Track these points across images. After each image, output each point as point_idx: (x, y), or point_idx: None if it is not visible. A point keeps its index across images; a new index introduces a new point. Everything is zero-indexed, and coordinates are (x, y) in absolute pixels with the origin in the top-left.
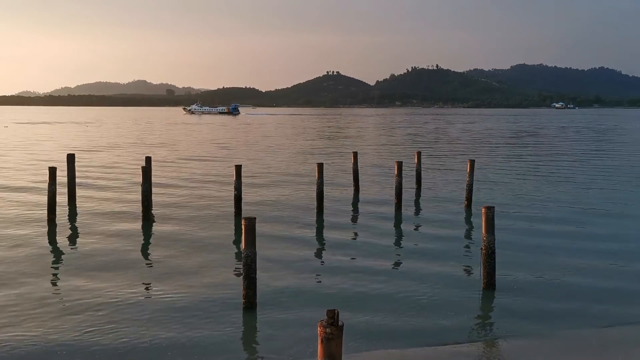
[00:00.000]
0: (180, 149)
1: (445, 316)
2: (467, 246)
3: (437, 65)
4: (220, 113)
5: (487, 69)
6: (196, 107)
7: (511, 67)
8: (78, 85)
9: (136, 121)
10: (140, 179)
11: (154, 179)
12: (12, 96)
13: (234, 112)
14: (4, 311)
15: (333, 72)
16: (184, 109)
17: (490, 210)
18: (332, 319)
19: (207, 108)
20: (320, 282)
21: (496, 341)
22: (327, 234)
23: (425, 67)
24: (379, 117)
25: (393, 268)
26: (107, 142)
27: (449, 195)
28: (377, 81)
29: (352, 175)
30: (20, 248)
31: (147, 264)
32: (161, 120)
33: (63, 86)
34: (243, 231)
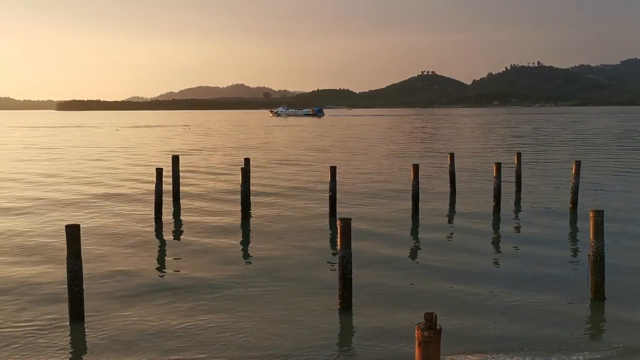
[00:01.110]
0: (273, 150)
1: (549, 325)
2: (573, 252)
3: (538, 62)
4: (306, 115)
5: (593, 65)
6: (282, 109)
7: (621, 62)
8: (181, 90)
9: (231, 124)
10: (239, 179)
11: (252, 180)
12: (122, 101)
13: (318, 114)
14: (114, 296)
15: (428, 71)
16: (271, 111)
17: (599, 215)
18: (430, 322)
19: (293, 110)
20: (416, 283)
21: (606, 353)
22: (422, 235)
23: (526, 65)
24: (476, 118)
25: (492, 272)
26: (206, 145)
27: (552, 198)
28: (474, 80)
29: (448, 176)
30: (130, 244)
31: (246, 262)
32: (251, 122)
33: (168, 91)
34: (339, 232)
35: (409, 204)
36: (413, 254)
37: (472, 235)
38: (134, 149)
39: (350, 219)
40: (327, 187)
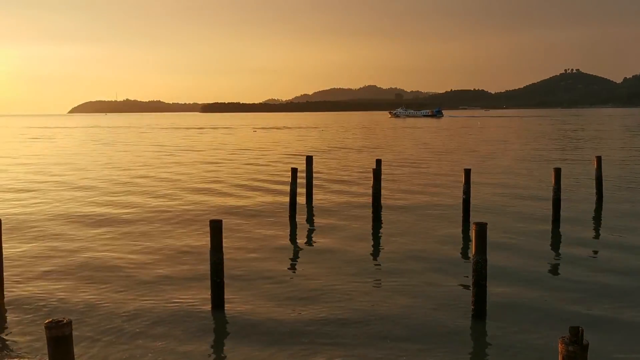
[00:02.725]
0: (399, 152)
1: None
2: None
3: None
4: (424, 116)
5: None
6: (401, 110)
7: None
8: (315, 92)
9: (356, 125)
10: (369, 180)
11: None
12: (259, 104)
13: (437, 115)
14: (250, 288)
15: (571, 69)
16: (390, 112)
17: None
18: (576, 336)
19: (412, 111)
20: (554, 296)
21: None
22: (564, 246)
23: None
24: (628, 118)
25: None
26: (335, 145)
27: None
28: (625, 78)
29: (594, 182)
30: (264, 240)
31: (375, 264)
32: (373, 124)
33: (302, 93)
34: (473, 237)
35: (548, 211)
36: (553, 265)
37: (620, 249)
38: (269, 149)
39: (486, 224)
40: (452, 189)
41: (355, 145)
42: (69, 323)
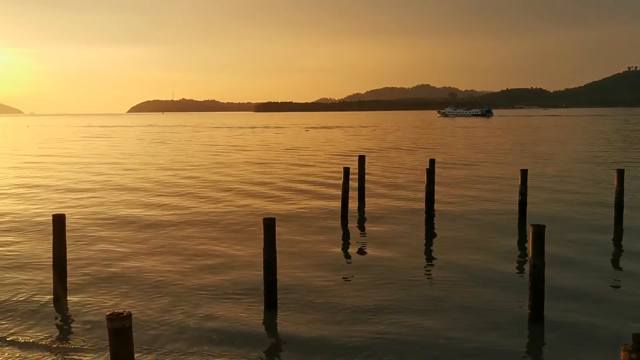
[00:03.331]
0: (449, 152)
1: None
2: None
3: None
4: (474, 115)
5: None
6: (450, 110)
7: None
8: (367, 91)
9: (407, 124)
10: (418, 180)
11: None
12: (311, 103)
13: (487, 114)
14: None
15: (635, 67)
16: (438, 112)
17: None
18: (639, 344)
19: (461, 111)
20: (615, 302)
21: None
22: (625, 255)
23: None
24: None
25: None
26: (386, 144)
27: None
28: None
29: None
30: (317, 238)
31: (427, 264)
32: (423, 123)
33: (354, 92)
34: (530, 239)
35: (608, 215)
36: (615, 268)
37: None
38: (321, 148)
39: (544, 226)
40: (506, 191)
41: (403, 145)
42: (129, 316)
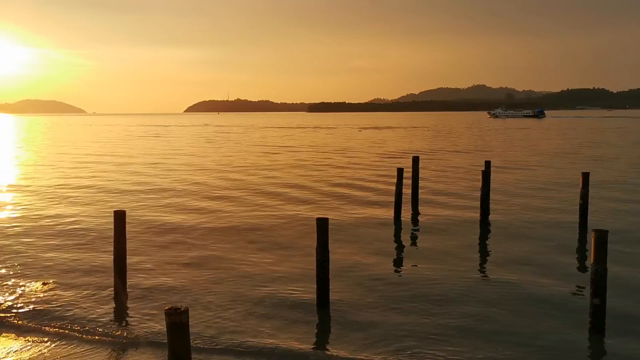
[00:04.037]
0: (501, 154)
1: None
2: None
3: None
4: (525, 117)
5: None
6: (500, 110)
7: None
8: (421, 92)
9: (461, 125)
10: (472, 181)
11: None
12: (365, 103)
13: (539, 115)
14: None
15: None
16: (489, 113)
17: None
18: None
19: (512, 112)
20: None
21: None
22: None
23: None
24: None
25: None
26: (439, 146)
27: None
28: None
29: None
30: (370, 239)
31: (481, 269)
32: (472, 124)
33: (408, 93)
34: (592, 245)
35: None
36: None
37: None
38: (373, 149)
39: (607, 231)
40: (563, 194)
41: (450, 146)
42: (186, 310)
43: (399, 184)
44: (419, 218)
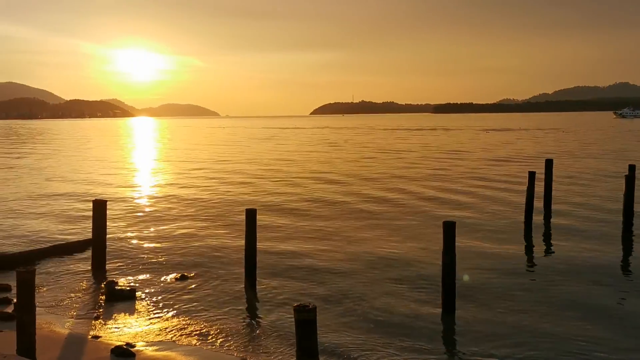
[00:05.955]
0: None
1: None
2: None
3: None
4: None
5: None
6: (627, 110)
7: None
8: (556, 91)
9: (590, 127)
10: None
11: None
12: (492, 104)
13: None
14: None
15: None
16: (615, 113)
17: None
18: None
19: None
20: None
21: None
22: None
23: None
24: None
25: None
26: (571, 149)
27: None
28: None
29: None
30: (499, 243)
31: (624, 274)
32: (597, 125)
33: (541, 92)
34: None
35: None
36: None
37: None
38: (497, 152)
39: None
40: None
41: (576, 150)
42: (314, 308)
43: (530, 189)
44: (551, 226)
